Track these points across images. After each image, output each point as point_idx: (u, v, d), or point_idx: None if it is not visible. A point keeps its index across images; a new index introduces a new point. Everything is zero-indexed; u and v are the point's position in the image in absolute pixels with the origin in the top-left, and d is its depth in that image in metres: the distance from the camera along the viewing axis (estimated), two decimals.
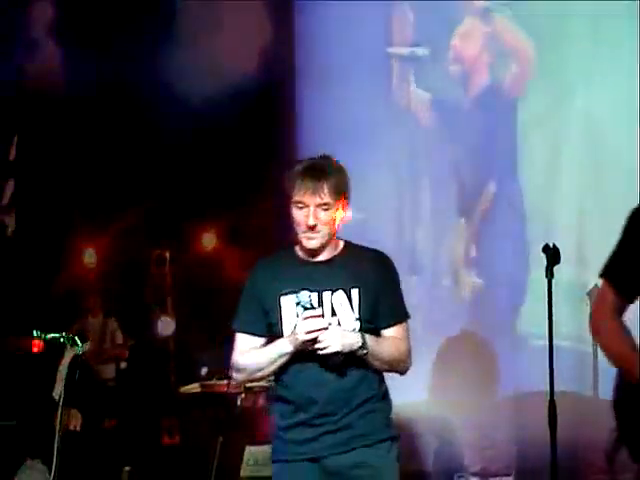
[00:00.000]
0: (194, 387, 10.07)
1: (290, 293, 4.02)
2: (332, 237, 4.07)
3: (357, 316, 4.03)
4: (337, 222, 4.07)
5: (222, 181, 10.59)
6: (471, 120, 8.91)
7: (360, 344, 3.95)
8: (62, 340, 6.84)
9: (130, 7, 10.36)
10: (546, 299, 5.20)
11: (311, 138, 9.79)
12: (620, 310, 3.73)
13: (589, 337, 3.90)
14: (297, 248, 4.14)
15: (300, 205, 4.03)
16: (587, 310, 8.15)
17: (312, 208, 4.00)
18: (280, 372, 4.08)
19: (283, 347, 3.99)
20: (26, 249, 10.65)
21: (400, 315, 4.14)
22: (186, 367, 10.65)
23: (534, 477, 7.19)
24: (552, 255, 5.17)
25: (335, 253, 4.10)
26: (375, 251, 4.19)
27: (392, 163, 9.05)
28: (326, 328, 3.91)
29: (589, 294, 8.27)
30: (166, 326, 11.15)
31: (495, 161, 8.95)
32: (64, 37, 10.75)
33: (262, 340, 4.09)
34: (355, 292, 4.02)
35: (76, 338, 6.62)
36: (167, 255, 11.27)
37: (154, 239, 11.14)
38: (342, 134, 9.27)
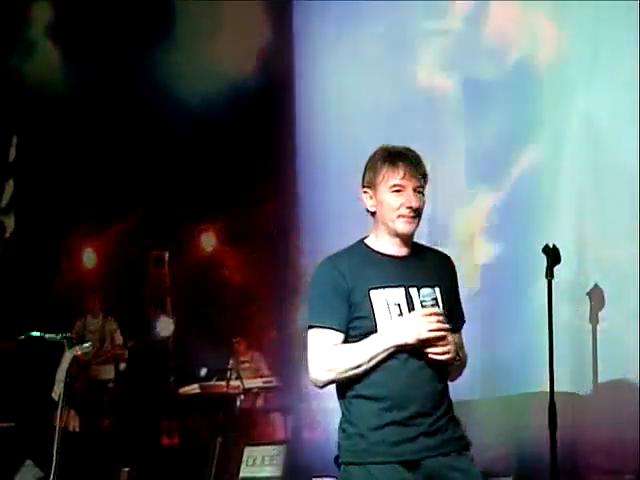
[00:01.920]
0: (193, 388, 10.08)
1: (380, 287, 3.86)
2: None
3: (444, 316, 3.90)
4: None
5: (221, 182, 10.60)
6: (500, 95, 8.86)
7: (459, 355, 3.89)
8: (61, 341, 6.82)
9: (129, 8, 10.37)
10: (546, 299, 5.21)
11: (310, 138, 9.79)
12: None
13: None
14: (371, 242, 3.98)
15: (397, 188, 3.89)
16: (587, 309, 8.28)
17: (411, 191, 3.89)
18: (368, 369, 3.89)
19: (388, 341, 3.81)
20: (25, 250, 10.65)
21: (463, 320, 4.06)
22: (185, 368, 10.65)
23: (534, 478, 7.19)
24: (552, 255, 5.17)
25: (410, 250, 3.97)
26: (442, 252, 4.09)
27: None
28: (449, 329, 3.82)
29: (589, 294, 8.30)
30: (165, 327, 11.16)
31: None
32: (63, 38, 10.76)
33: (342, 336, 3.86)
34: (438, 291, 3.90)
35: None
36: (166, 256, 11.27)
37: (153, 240, 11.15)
38: (342, 133, 9.29)
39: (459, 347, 3.95)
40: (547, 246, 5.19)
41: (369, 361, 3.82)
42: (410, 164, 3.89)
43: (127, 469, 8.89)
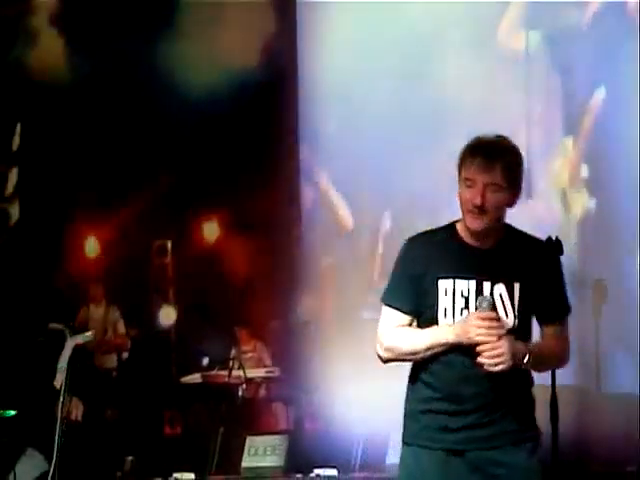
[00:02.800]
0: (195, 378, 10.08)
1: (449, 277, 3.80)
2: (498, 222, 3.82)
3: (517, 314, 3.79)
4: (505, 207, 3.81)
5: (223, 172, 10.60)
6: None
7: (525, 360, 3.73)
8: (63, 330, 6.82)
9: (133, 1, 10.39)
10: None
11: (313, 130, 9.79)
12: None
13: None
14: (460, 228, 3.86)
15: (468, 183, 3.76)
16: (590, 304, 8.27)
17: (481, 187, 3.74)
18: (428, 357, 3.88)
19: (445, 336, 3.77)
20: (29, 238, 10.66)
21: (563, 311, 3.90)
22: (187, 357, 10.66)
23: None
24: (554, 247, 5.15)
25: (497, 240, 3.84)
26: (539, 241, 3.96)
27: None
28: (501, 336, 3.69)
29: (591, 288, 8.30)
30: (167, 316, 11.16)
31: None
32: (67, 27, 10.76)
33: (409, 318, 3.87)
34: (517, 286, 3.79)
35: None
36: (168, 245, 11.27)
37: (156, 229, 11.14)
38: (344, 124, 9.29)
39: (553, 341, 3.85)
40: (549, 238, 5.17)
41: (425, 351, 3.81)
42: (485, 158, 3.74)
43: (131, 458, 8.90)
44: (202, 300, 10.90)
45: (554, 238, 5.19)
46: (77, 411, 9.53)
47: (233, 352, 10.06)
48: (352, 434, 8.25)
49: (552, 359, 3.92)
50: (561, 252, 5.20)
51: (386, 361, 3.91)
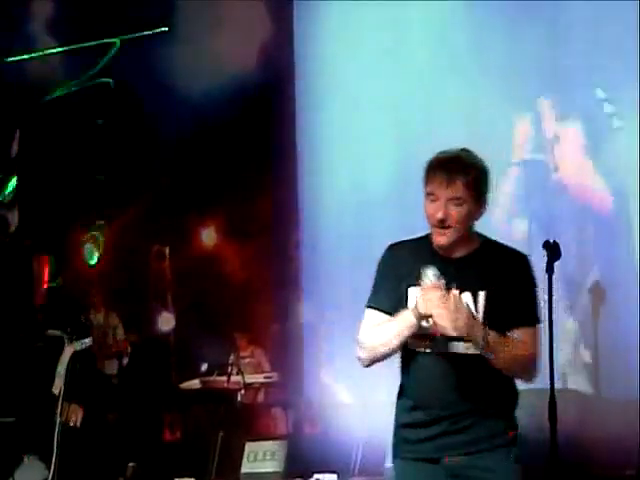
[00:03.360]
0: (194, 383, 10.08)
1: (418, 286, 3.83)
2: (465, 234, 3.88)
3: (482, 321, 3.83)
4: (472, 219, 3.86)
5: (221, 177, 10.61)
6: None
7: (481, 334, 3.74)
8: (62, 336, 6.83)
9: (129, 3, 10.38)
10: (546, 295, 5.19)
11: (310, 133, 9.80)
12: None
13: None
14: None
15: (432, 197, 3.81)
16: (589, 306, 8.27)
17: (443, 201, 3.79)
18: (407, 362, 3.93)
19: (408, 317, 3.80)
20: (28, 244, 10.67)
21: (529, 320, 3.91)
22: (186, 363, 10.66)
23: (534, 475, 7.18)
24: (552, 250, 5.15)
25: (470, 250, 3.90)
26: (513, 251, 3.99)
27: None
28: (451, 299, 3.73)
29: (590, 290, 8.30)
30: (166, 321, 11.16)
31: None
32: (64, 32, 10.77)
33: (388, 317, 3.90)
34: (482, 295, 3.85)
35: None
36: (167, 250, 11.28)
37: (154, 234, 11.15)
38: (342, 126, 9.29)
39: (517, 342, 3.86)
40: (547, 241, 5.17)
41: (395, 337, 3.85)
42: (447, 173, 3.79)
43: (132, 464, 8.91)
44: (200, 305, 10.91)
45: (552, 241, 5.19)
46: (77, 417, 9.53)
47: (232, 357, 10.07)
48: (351, 438, 8.25)
49: (512, 357, 3.86)
50: (559, 255, 5.20)
51: (365, 362, 3.93)
